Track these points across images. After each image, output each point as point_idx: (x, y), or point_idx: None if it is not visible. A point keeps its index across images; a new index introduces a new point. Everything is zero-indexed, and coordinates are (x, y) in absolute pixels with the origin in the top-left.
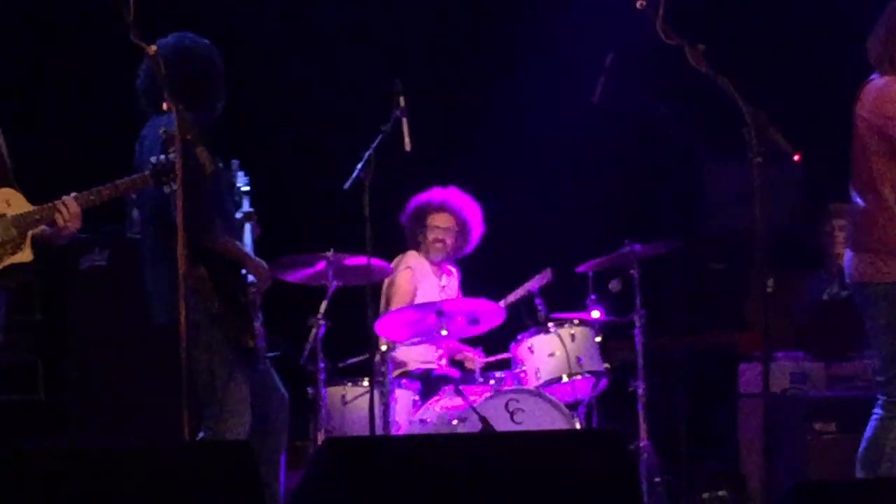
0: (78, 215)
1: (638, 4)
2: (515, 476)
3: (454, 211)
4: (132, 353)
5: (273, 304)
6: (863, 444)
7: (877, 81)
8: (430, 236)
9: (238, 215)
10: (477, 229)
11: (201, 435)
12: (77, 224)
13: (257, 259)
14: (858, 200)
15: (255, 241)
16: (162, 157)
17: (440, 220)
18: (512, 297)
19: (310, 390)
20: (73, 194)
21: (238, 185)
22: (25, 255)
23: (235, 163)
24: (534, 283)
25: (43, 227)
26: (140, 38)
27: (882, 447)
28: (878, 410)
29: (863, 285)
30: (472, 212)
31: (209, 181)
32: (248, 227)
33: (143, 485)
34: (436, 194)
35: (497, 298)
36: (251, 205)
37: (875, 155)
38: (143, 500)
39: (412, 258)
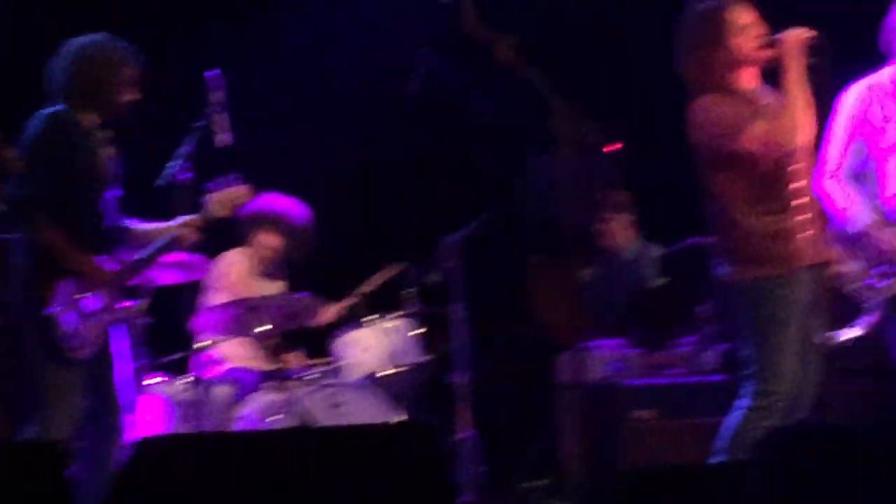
0: None
1: None
2: (331, 470)
3: (285, 229)
4: None
5: None
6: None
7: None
8: (258, 252)
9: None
10: (310, 242)
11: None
12: None
13: (85, 257)
14: None
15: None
16: None
17: (268, 240)
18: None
19: None
20: None
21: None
22: None
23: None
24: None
25: None
26: None
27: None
28: (743, 401)
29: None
30: (304, 225)
31: (48, 169)
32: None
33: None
34: (268, 207)
35: (322, 293)
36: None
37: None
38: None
39: (236, 256)
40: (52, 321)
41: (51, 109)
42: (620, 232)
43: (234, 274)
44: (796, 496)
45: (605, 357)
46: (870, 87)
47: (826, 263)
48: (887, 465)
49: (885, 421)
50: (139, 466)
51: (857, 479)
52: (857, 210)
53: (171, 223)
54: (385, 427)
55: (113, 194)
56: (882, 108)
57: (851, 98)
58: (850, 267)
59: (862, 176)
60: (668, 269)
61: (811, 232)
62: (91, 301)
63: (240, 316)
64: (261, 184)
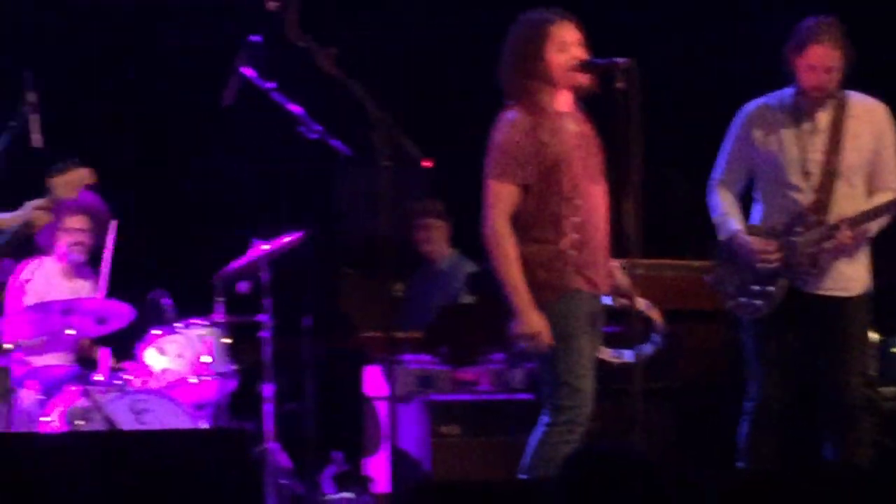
0: None
1: (269, 6)
2: (139, 474)
3: (89, 211)
4: None
5: None
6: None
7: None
8: (68, 239)
9: None
10: (108, 221)
11: None
12: None
13: None
14: None
15: None
16: None
17: (76, 223)
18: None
19: None
20: None
21: None
22: None
23: None
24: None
25: None
26: None
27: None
28: (544, 418)
29: None
30: (101, 205)
31: None
32: None
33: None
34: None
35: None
36: None
37: None
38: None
39: (36, 267)
40: None
41: None
42: (437, 239)
43: (42, 276)
44: None
45: (413, 371)
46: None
47: (601, 293)
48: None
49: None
50: None
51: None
52: (725, 218)
53: (20, 210)
54: (195, 433)
55: None
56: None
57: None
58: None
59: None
60: (480, 286)
61: (585, 261)
62: None
63: (48, 319)
64: None
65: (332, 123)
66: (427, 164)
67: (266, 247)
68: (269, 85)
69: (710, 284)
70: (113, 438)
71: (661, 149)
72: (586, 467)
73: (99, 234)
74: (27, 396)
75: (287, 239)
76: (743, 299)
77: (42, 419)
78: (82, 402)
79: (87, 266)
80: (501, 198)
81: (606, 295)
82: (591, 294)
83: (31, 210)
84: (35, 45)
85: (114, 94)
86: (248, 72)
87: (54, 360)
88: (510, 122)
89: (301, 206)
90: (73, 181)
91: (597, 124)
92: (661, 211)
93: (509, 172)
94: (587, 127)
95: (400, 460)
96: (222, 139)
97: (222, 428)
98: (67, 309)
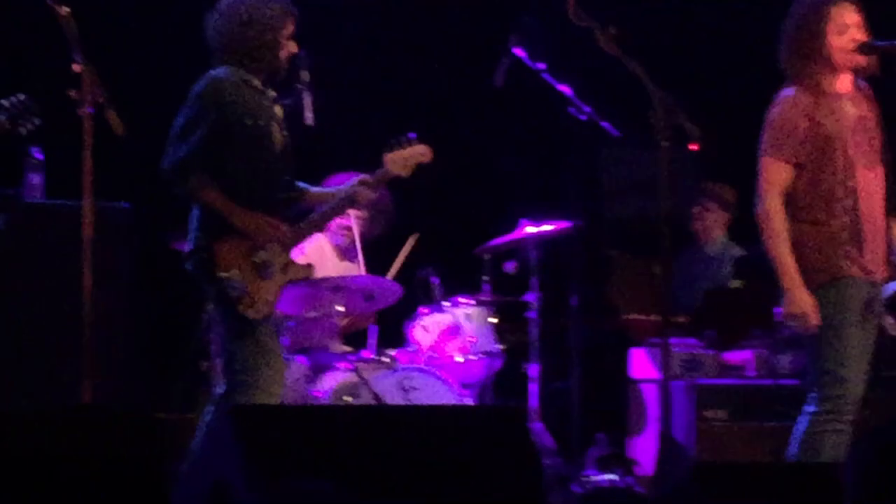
0: None
1: None
2: (418, 450)
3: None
4: (31, 317)
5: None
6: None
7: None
8: (339, 221)
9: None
10: (386, 214)
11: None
12: None
13: (252, 214)
14: None
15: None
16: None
17: (342, 221)
18: (393, 270)
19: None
20: None
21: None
22: None
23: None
24: (405, 251)
25: None
26: None
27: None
28: (810, 407)
29: None
30: (381, 199)
31: (208, 131)
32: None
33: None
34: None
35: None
36: None
37: None
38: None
39: (311, 244)
40: (225, 283)
41: (217, 71)
42: (713, 224)
43: (314, 253)
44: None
45: (679, 355)
46: None
47: (876, 280)
48: None
49: None
50: (227, 434)
51: None
52: None
53: (347, 183)
54: (471, 409)
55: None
56: None
57: None
58: None
59: None
60: (747, 270)
61: (858, 245)
62: (264, 260)
63: (319, 295)
64: (335, 166)
65: (600, 104)
66: (695, 146)
67: (533, 229)
68: (540, 65)
69: None
70: (405, 411)
71: None
72: (878, 453)
73: (376, 223)
74: (296, 370)
75: (553, 227)
76: None
77: (310, 393)
78: (351, 378)
79: (358, 248)
80: (774, 175)
81: (884, 281)
82: (865, 281)
83: (356, 185)
84: (327, 24)
85: (385, 72)
86: (519, 52)
87: (325, 342)
88: (786, 101)
89: (568, 187)
90: (409, 158)
91: (879, 107)
92: None
93: (783, 150)
94: (869, 109)
95: (666, 444)
96: (491, 119)
97: (502, 405)
98: (337, 286)
